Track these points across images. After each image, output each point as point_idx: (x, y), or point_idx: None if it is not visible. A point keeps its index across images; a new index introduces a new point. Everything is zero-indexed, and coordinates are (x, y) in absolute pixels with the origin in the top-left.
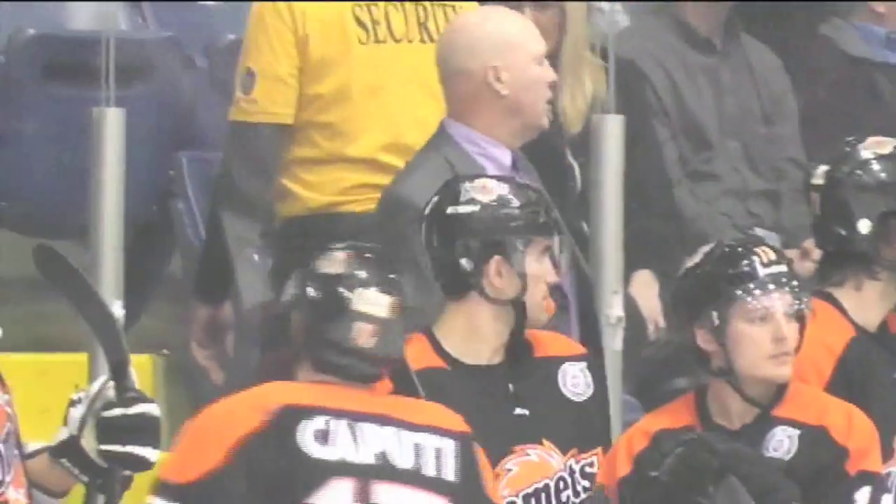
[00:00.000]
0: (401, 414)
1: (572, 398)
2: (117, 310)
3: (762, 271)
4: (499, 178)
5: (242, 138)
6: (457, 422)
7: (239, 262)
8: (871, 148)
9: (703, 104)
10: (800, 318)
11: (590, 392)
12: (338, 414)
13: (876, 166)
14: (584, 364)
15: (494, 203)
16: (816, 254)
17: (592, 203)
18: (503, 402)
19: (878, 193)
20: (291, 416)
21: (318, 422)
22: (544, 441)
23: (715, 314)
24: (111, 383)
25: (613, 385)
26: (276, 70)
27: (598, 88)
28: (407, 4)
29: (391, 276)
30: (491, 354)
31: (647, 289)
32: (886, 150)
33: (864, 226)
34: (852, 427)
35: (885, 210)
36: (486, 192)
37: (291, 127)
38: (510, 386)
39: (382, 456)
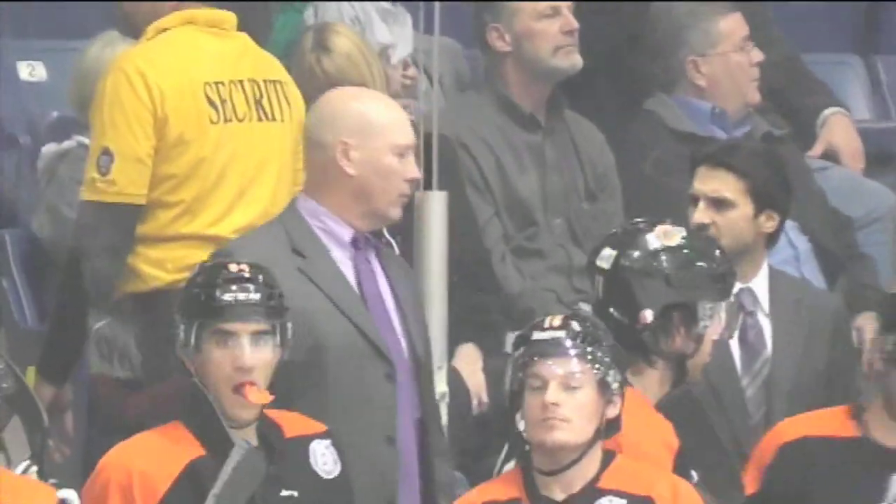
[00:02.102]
0: None
1: (324, 476)
2: None
3: (538, 338)
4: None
5: (98, 219)
6: None
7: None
8: (660, 238)
9: (528, 181)
10: (602, 385)
11: (338, 469)
12: None
13: (662, 257)
14: (329, 441)
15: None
16: None
17: (416, 278)
18: (267, 485)
19: (662, 284)
20: None
21: None
22: None
23: (510, 383)
24: (33, 468)
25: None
26: (135, 151)
27: None
28: (245, 83)
29: None
30: (247, 437)
31: (471, 363)
32: (674, 241)
33: (646, 316)
34: (678, 497)
35: (668, 302)
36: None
37: (143, 206)
38: (272, 468)
39: None
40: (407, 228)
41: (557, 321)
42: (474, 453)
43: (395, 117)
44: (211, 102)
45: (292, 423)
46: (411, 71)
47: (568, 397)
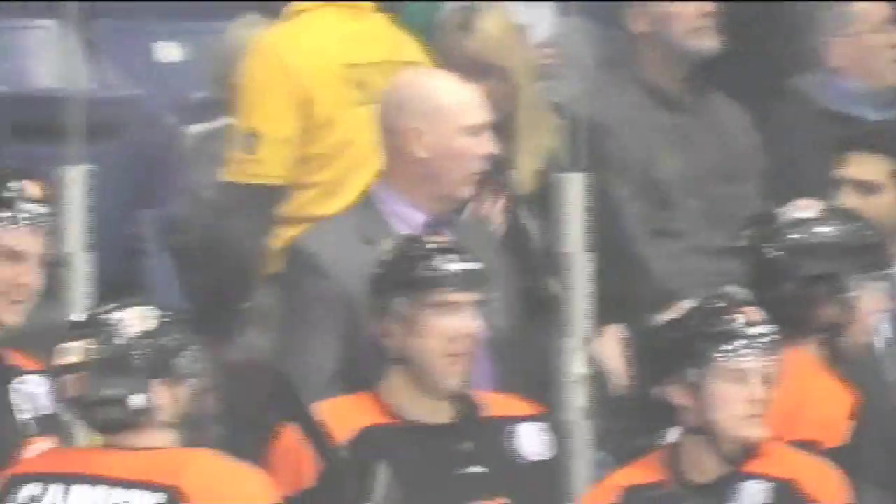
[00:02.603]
0: (117, 471)
1: (529, 458)
2: None
3: (747, 332)
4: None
5: (241, 198)
6: (170, 474)
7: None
8: (796, 210)
9: (667, 162)
10: (772, 377)
11: (548, 453)
12: (52, 478)
13: (799, 229)
14: (542, 424)
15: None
16: None
17: (561, 262)
18: (454, 460)
19: (802, 256)
20: (11, 484)
21: (32, 488)
22: (499, 500)
23: (692, 371)
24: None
25: (581, 442)
26: (279, 132)
27: (555, 147)
28: (384, 65)
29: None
30: (438, 412)
31: (612, 345)
32: (810, 212)
33: (788, 289)
34: (824, 482)
35: (810, 273)
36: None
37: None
38: (464, 444)
39: None
40: (547, 211)
41: (756, 313)
42: (618, 434)
43: (464, 97)
44: (355, 84)
45: (501, 403)
46: (550, 51)
47: (765, 392)
